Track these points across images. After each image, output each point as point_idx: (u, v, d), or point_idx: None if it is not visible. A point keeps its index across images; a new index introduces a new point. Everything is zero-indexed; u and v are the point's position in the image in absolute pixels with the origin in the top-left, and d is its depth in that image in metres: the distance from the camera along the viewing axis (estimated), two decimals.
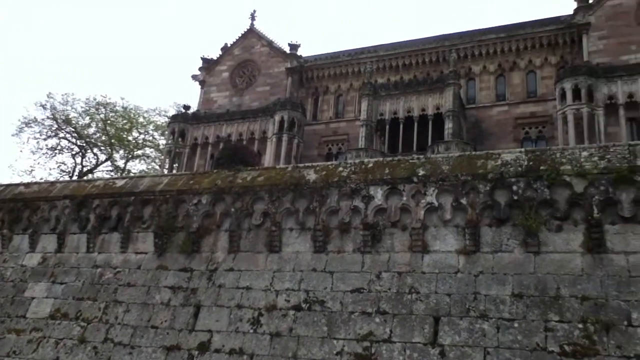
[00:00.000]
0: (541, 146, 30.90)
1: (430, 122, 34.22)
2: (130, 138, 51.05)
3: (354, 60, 41.62)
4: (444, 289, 9.43)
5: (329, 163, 12.29)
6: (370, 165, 11.37)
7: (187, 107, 43.33)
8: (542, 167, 9.63)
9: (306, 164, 12.44)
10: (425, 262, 9.85)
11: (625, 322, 8.10)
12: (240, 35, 45.68)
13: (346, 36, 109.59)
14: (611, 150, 9.58)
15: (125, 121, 50.47)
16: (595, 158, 9.47)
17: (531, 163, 9.82)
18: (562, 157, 9.75)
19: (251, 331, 10.27)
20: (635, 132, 30.12)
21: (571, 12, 35.09)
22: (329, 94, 42.25)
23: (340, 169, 11.51)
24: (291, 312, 10.22)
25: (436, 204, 10.14)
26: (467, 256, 9.61)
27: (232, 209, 11.92)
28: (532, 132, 34.78)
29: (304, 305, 10.21)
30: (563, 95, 31.12)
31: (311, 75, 42.76)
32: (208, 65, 45.19)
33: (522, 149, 10.47)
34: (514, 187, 9.65)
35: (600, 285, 8.58)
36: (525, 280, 9.02)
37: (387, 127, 35.54)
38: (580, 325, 8.28)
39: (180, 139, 41.37)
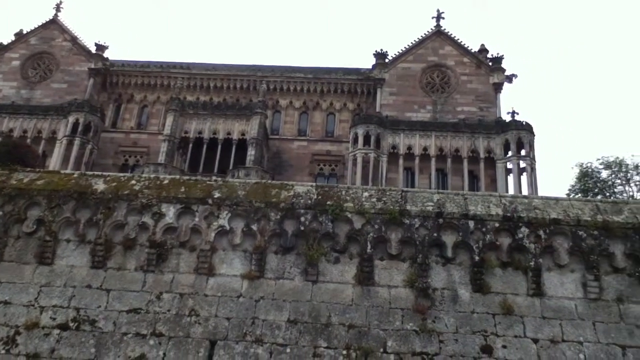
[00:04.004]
0: (332, 183, 33.33)
1: (234, 147, 34.67)
2: None
3: (165, 72, 40.56)
4: (224, 312, 9.46)
5: (121, 174, 11.60)
6: (166, 181, 11.05)
7: None
8: (328, 202, 10.34)
9: (95, 173, 11.61)
10: (210, 285, 9.81)
11: (382, 349, 9.00)
12: (40, 24, 41.44)
13: (157, 47, 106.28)
14: (387, 193, 10.72)
15: None
16: (374, 199, 10.49)
17: (320, 197, 10.49)
18: (346, 195, 10.60)
19: (2, 352, 9.07)
20: (410, 179, 34.24)
21: (370, 67, 38.92)
22: (133, 103, 40.35)
23: (133, 182, 10.99)
24: (55, 332, 9.29)
25: (228, 227, 10.21)
26: (251, 281, 9.80)
27: (0, 213, 10.55)
28: (326, 169, 37.39)
29: (71, 324, 9.36)
30: (355, 140, 34.17)
31: (116, 80, 40.49)
32: None
33: (313, 184, 11.15)
34: (302, 219, 10.19)
35: (365, 314, 9.42)
36: (301, 308, 9.50)
37: (191, 145, 35.08)
38: (344, 352, 8.96)
39: None
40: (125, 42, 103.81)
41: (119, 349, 9.09)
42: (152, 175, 11.49)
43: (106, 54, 40.83)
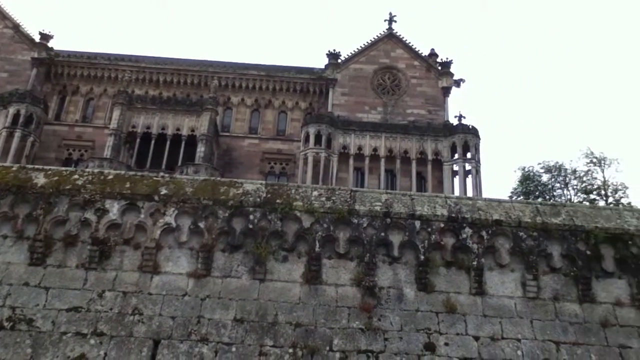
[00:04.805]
0: (283, 181, 33.22)
1: (183, 143, 34.11)
2: None
3: (112, 65, 39.44)
4: (169, 311, 9.29)
5: (63, 168, 11.19)
6: (111, 177, 10.75)
7: None
8: (278, 201, 10.32)
9: (36, 166, 11.17)
10: (154, 283, 9.61)
11: (328, 348, 9.05)
12: None
13: (105, 39, 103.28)
14: (337, 193, 10.79)
15: None
16: (323, 198, 10.54)
17: (269, 195, 10.45)
18: (296, 193, 10.60)
19: None
20: (359, 179, 34.61)
21: (323, 66, 39.07)
22: (78, 95, 39.05)
23: (76, 176, 10.64)
24: None
25: (174, 224, 10.03)
26: (197, 279, 9.67)
27: None
28: (277, 167, 37.30)
29: (6, 324, 8.97)
30: (307, 139, 34.27)
31: (61, 71, 39.07)
32: None
33: (263, 182, 11.09)
34: (251, 217, 10.12)
35: (312, 313, 9.45)
36: (248, 306, 9.44)
37: (138, 140, 34.28)
38: (290, 350, 8.97)
39: None
40: (71, 32, 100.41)
41: (58, 348, 8.78)
42: (96, 170, 11.16)
43: (51, 44, 39.35)
